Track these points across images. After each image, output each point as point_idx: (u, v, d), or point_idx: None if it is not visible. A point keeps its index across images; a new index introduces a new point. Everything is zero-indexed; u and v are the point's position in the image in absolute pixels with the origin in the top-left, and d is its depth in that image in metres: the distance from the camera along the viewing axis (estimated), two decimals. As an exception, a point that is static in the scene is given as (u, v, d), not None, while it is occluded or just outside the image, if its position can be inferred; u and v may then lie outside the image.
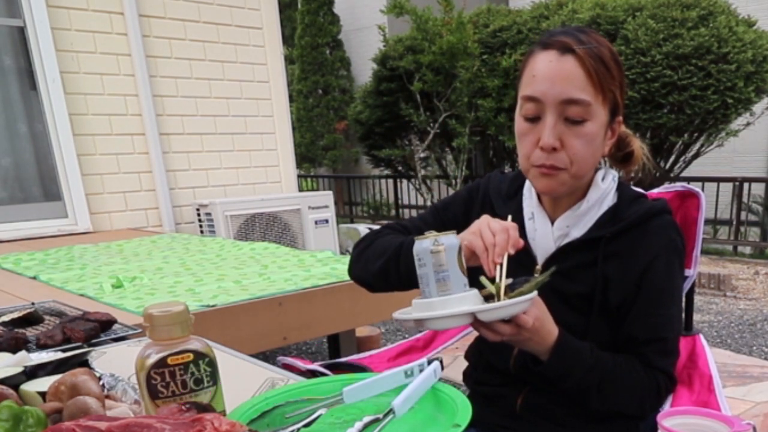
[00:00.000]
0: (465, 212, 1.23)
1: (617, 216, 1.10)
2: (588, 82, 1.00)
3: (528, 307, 0.94)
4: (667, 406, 1.18)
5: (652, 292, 1.08)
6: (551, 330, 1.01)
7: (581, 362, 1.03)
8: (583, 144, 1.03)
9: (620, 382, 1.06)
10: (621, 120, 1.10)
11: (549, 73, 1.01)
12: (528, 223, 1.15)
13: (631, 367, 1.07)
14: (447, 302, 0.92)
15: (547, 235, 1.13)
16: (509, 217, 1.02)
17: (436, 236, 0.93)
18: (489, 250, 0.95)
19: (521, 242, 0.97)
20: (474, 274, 0.96)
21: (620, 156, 1.18)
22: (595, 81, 1.01)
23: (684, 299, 1.44)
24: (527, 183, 1.17)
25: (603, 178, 1.12)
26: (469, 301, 0.92)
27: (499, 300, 0.94)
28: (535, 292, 0.95)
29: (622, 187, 1.15)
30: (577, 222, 1.11)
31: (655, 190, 1.40)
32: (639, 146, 1.18)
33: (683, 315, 1.53)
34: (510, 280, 0.97)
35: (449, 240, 0.92)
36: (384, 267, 1.19)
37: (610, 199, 1.13)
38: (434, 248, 0.92)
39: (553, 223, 1.13)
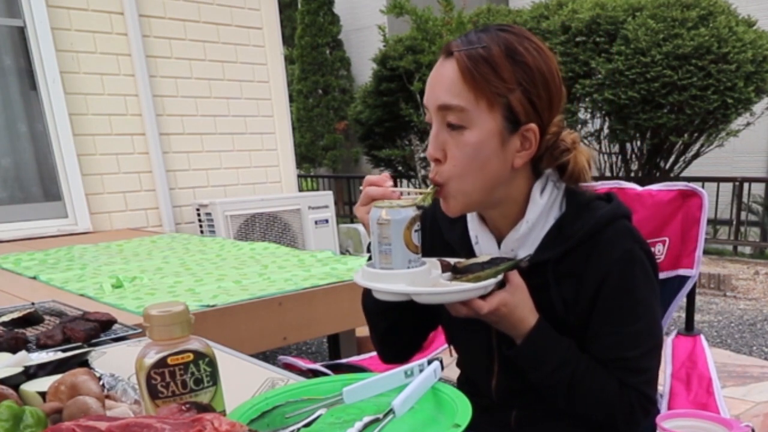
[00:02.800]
0: None
1: (563, 232, 1.00)
2: (463, 87, 0.92)
3: (481, 293, 0.92)
4: (664, 407, 1.17)
5: (607, 311, 1.00)
6: (524, 318, 0.98)
7: (554, 355, 1.00)
8: (465, 155, 0.94)
9: (591, 388, 1.01)
10: (535, 128, 0.96)
11: (431, 80, 0.97)
12: (475, 248, 1.08)
13: (607, 377, 1.01)
14: (386, 276, 0.91)
15: None
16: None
17: (390, 207, 0.91)
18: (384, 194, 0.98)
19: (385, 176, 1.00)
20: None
21: (553, 168, 1.03)
22: (471, 85, 0.92)
23: (685, 299, 1.44)
24: None
25: (542, 191, 1.01)
26: (408, 279, 0.91)
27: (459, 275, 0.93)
28: (491, 281, 0.92)
29: (569, 194, 1.03)
30: (522, 243, 1.03)
31: (655, 187, 1.40)
32: (582, 161, 1.01)
33: (684, 316, 1.53)
34: (489, 257, 0.96)
35: (399, 213, 0.90)
36: (373, 327, 1.21)
37: (556, 211, 1.02)
38: (380, 219, 0.90)
39: (499, 244, 1.05)
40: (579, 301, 1.01)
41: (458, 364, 1.28)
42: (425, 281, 0.92)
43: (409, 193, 1.00)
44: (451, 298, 0.92)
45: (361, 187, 1.03)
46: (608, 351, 1.01)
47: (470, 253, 1.08)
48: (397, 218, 0.90)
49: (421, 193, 0.99)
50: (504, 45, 0.94)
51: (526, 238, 1.02)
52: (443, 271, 0.98)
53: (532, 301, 0.99)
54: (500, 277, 0.95)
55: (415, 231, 0.91)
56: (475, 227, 1.09)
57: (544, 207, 1.01)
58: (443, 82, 0.95)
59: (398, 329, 1.18)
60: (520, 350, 1.00)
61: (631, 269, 1.00)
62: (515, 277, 0.97)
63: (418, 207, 0.93)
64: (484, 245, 1.07)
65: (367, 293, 1.13)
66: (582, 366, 1.01)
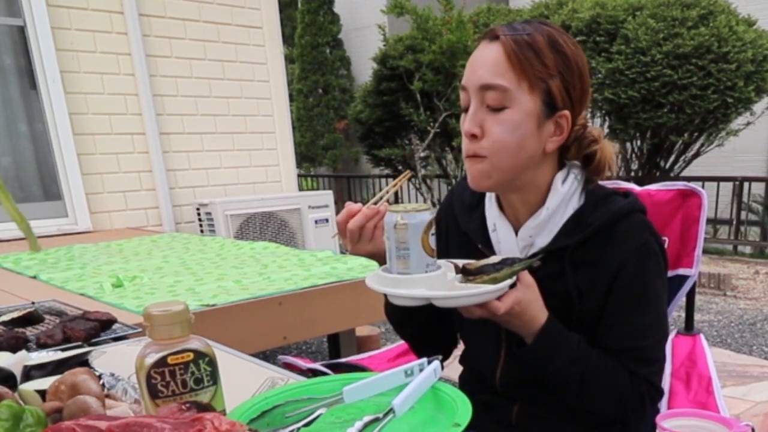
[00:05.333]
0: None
1: (582, 222, 1.04)
2: (508, 68, 0.97)
3: (499, 294, 0.92)
4: (664, 406, 1.17)
5: (621, 300, 1.03)
6: (536, 316, 0.99)
7: (565, 352, 1.01)
8: (504, 131, 0.98)
9: (602, 383, 1.02)
10: (568, 115, 1.01)
11: (474, 61, 1.01)
12: (492, 235, 1.10)
13: (617, 369, 1.03)
14: (404, 281, 0.91)
15: (511, 246, 1.08)
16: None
17: (405, 211, 0.91)
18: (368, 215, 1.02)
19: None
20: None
21: (580, 158, 1.08)
22: (516, 67, 0.97)
23: (685, 299, 1.43)
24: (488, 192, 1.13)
25: (564, 181, 1.05)
26: (427, 283, 0.91)
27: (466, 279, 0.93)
28: (507, 282, 0.92)
29: (588, 187, 1.08)
30: (541, 231, 1.06)
31: (654, 186, 1.40)
32: (608, 154, 1.06)
33: (684, 315, 1.53)
34: (500, 257, 0.96)
35: (415, 218, 0.90)
36: (400, 333, 1.24)
37: (575, 203, 1.06)
38: (398, 224, 0.90)
39: (516, 232, 1.07)
40: (594, 289, 1.03)
41: (461, 360, 1.28)
42: (443, 285, 0.92)
43: (382, 196, 1.03)
44: (471, 301, 0.91)
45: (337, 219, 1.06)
46: (621, 341, 1.04)
47: (487, 241, 1.11)
48: (414, 222, 0.90)
49: (395, 185, 1.03)
50: (546, 35, 0.99)
51: (545, 225, 1.05)
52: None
53: (542, 298, 1.01)
54: (515, 277, 0.95)
55: (432, 234, 0.91)
56: (493, 215, 1.11)
57: (564, 196, 1.05)
58: (487, 64, 0.98)
59: (423, 335, 1.22)
60: (531, 348, 1.02)
61: (645, 261, 1.03)
62: (525, 275, 0.98)
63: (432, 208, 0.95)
64: (501, 233, 1.09)
65: (388, 303, 1.15)
66: (593, 362, 1.02)
